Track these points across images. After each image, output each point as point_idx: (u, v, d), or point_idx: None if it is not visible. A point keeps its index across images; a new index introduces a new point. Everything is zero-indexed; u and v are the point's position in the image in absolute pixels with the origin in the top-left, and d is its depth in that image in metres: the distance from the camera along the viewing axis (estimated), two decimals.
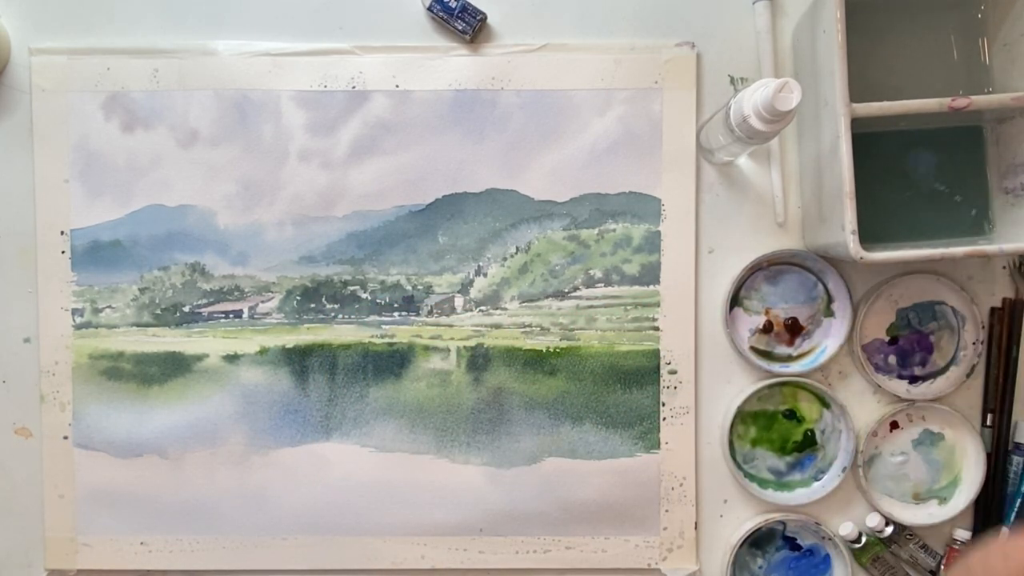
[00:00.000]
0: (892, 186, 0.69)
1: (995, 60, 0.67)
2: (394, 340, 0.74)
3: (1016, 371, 0.71)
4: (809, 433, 0.72)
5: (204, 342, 0.74)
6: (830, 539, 0.71)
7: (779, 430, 0.73)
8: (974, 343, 0.71)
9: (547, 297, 0.73)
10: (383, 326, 0.74)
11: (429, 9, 0.71)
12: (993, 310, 0.72)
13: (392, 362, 0.74)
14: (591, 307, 0.73)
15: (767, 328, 0.72)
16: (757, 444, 0.73)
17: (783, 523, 0.72)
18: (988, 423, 0.71)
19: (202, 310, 0.74)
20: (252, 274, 0.74)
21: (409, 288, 0.74)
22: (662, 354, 0.73)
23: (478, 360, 0.73)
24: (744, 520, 0.73)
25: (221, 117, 0.72)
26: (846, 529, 0.71)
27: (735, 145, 0.63)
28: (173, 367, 0.74)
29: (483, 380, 0.73)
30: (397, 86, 0.72)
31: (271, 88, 0.72)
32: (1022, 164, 0.65)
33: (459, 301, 0.74)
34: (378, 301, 0.74)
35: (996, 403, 0.71)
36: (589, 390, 0.73)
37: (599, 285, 0.73)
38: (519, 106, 0.72)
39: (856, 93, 0.60)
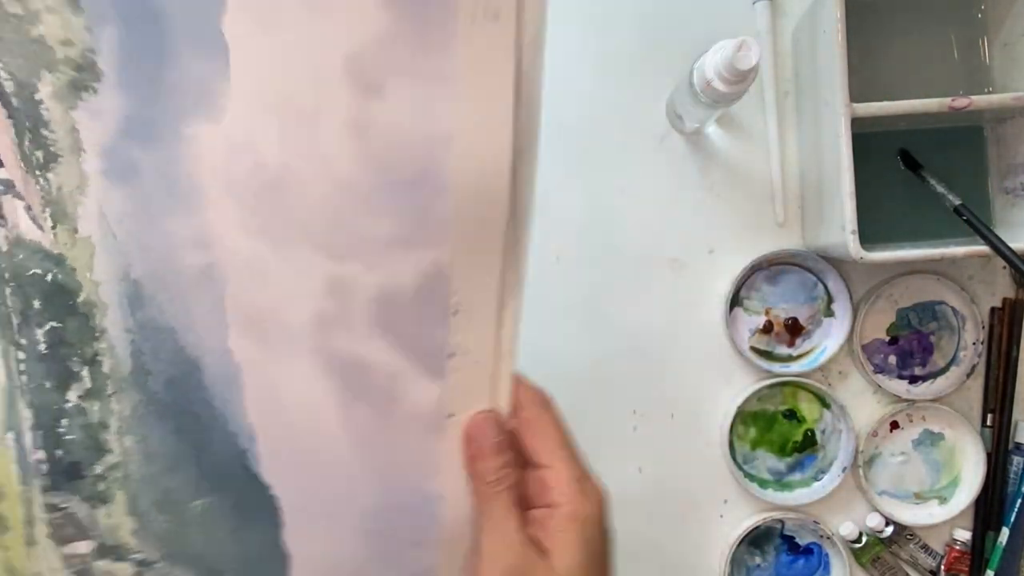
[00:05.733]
0: (892, 186, 0.68)
1: (995, 60, 0.67)
2: None
3: (1016, 371, 0.70)
4: (809, 433, 0.72)
5: None
6: (828, 538, 0.70)
7: (779, 430, 0.72)
8: (974, 343, 0.70)
9: None
10: None
11: None
12: (993, 310, 0.71)
13: None
14: None
15: (767, 328, 0.71)
16: (757, 446, 0.72)
17: (781, 522, 0.72)
18: (988, 423, 0.71)
19: None
20: None
21: None
22: None
23: None
24: (744, 520, 0.72)
25: None
26: (846, 529, 0.70)
27: (701, 111, 0.62)
28: None
29: None
30: None
31: None
32: (1022, 164, 0.65)
33: None
34: None
35: (996, 403, 0.71)
36: None
37: None
38: None
39: (856, 93, 0.59)
